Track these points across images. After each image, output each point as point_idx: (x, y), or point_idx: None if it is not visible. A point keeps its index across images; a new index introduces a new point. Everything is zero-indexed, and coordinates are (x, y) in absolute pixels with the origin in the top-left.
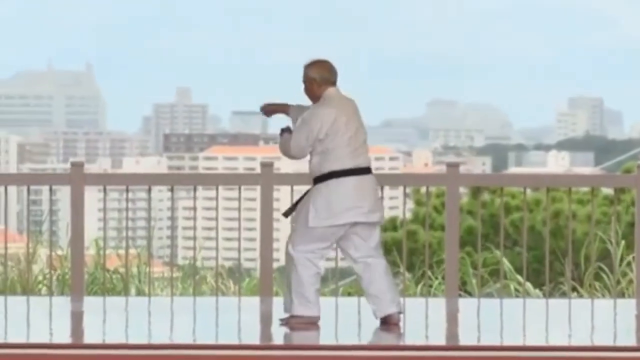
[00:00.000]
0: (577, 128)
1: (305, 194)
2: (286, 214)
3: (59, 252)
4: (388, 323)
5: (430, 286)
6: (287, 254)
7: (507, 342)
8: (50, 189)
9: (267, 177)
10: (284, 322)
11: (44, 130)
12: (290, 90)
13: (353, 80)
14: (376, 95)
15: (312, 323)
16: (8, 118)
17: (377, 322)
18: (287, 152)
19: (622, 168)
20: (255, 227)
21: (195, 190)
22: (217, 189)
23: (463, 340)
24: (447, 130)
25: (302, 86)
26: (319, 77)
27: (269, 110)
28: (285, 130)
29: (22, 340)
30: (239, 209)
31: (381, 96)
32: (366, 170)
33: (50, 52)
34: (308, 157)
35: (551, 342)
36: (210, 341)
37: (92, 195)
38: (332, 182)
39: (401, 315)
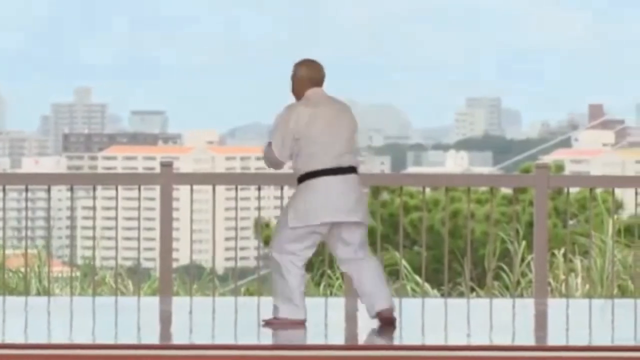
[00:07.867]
0: (475, 128)
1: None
2: None
3: None
4: (382, 320)
5: (332, 286)
6: (272, 258)
7: (406, 342)
8: None
9: (167, 177)
10: (267, 322)
11: None
12: (189, 90)
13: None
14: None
15: (298, 324)
16: None
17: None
18: (270, 159)
19: (520, 168)
20: (154, 227)
21: (94, 190)
22: (116, 189)
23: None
24: None
25: (290, 84)
26: (307, 76)
27: None
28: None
29: None
30: (138, 209)
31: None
32: (348, 170)
33: None
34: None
35: (450, 342)
36: (110, 341)
37: None
38: (311, 182)
39: (394, 312)
